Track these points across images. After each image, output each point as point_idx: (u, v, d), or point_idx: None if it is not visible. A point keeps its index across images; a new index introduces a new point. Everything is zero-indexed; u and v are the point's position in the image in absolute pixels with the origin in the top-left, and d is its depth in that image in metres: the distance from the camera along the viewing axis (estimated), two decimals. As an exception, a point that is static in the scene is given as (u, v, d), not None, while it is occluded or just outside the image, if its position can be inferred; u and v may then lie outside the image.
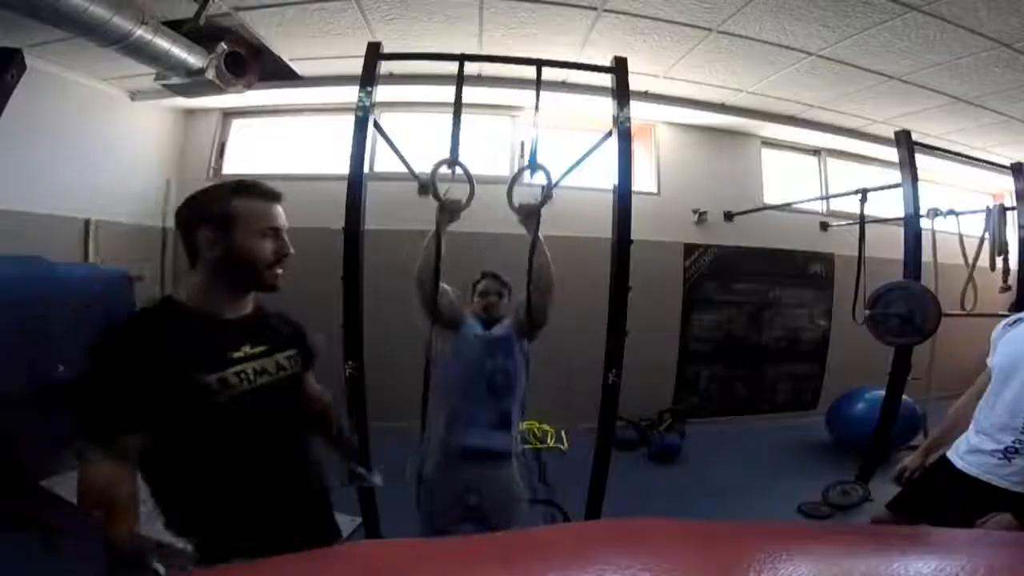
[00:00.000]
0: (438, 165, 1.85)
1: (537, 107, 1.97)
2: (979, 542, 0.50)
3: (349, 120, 2.04)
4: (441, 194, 1.80)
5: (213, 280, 1.03)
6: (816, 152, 4.93)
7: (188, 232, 1.03)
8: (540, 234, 1.81)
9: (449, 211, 1.81)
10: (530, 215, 1.84)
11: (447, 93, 2.06)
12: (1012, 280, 3.15)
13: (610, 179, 2.07)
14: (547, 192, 1.87)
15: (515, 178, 1.93)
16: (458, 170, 1.88)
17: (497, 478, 1.87)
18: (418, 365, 2.02)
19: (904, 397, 3.12)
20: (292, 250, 1.10)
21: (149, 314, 1.01)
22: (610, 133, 2.07)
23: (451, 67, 2.04)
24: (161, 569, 0.77)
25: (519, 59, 2.32)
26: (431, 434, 1.93)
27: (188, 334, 0.98)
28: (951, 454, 1.61)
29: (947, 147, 3.74)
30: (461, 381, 1.88)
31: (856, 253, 3.21)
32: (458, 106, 1.93)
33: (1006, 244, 3.04)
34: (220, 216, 1.02)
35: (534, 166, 1.88)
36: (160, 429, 0.92)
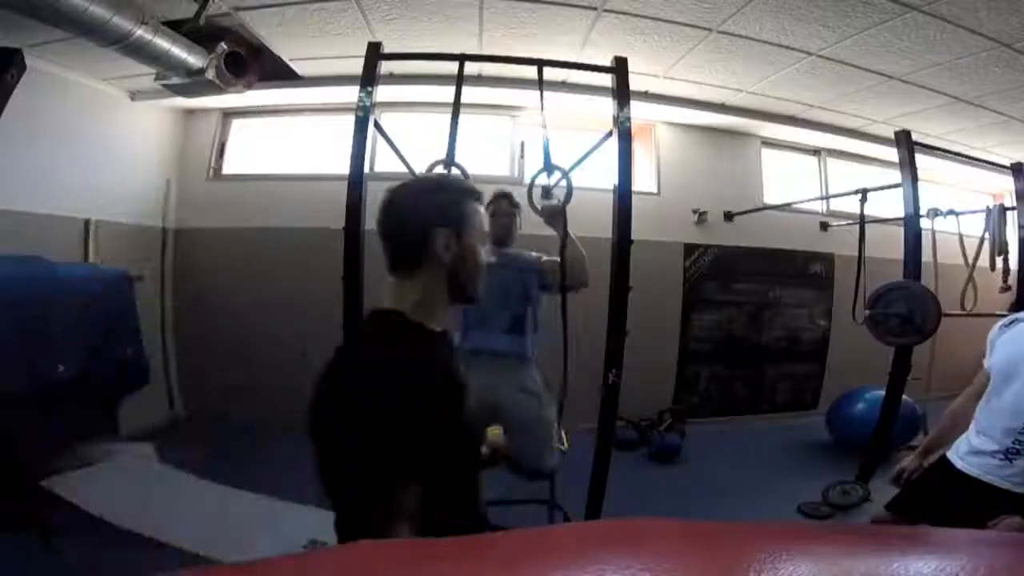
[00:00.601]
0: (433, 165, 1.86)
1: (542, 107, 1.98)
2: (979, 542, 0.50)
3: (349, 120, 2.05)
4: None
5: (438, 290, 0.90)
6: (816, 152, 4.93)
7: (417, 233, 0.89)
8: (570, 231, 1.89)
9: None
10: (555, 215, 1.88)
11: (447, 93, 2.06)
12: (1012, 280, 3.15)
13: (610, 179, 2.07)
14: (567, 190, 1.92)
15: (533, 180, 1.96)
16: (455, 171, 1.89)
17: (511, 378, 1.93)
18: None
19: (904, 397, 3.12)
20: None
21: (407, 339, 0.84)
22: (610, 133, 2.07)
23: (451, 67, 2.04)
24: None
25: (519, 59, 2.33)
26: None
27: (441, 359, 0.86)
28: (951, 455, 1.61)
29: (947, 147, 3.74)
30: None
31: (856, 253, 3.21)
32: (456, 106, 1.94)
33: (1006, 244, 3.04)
34: (458, 217, 0.91)
35: (550, 167, 1.91)
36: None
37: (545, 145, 1.93)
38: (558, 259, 1.89)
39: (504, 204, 2.11)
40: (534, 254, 2.11)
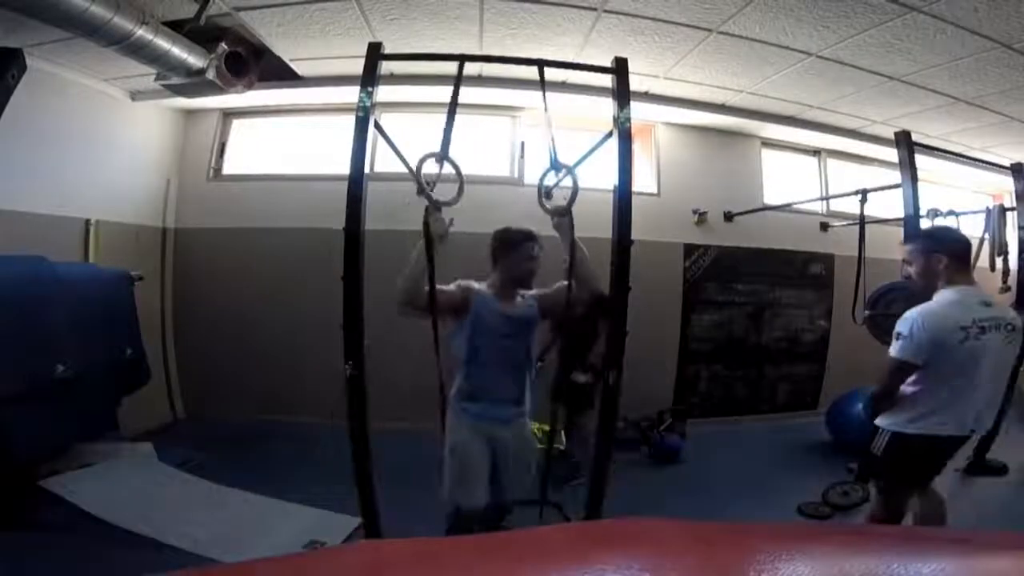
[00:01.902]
0: (424, 159, 1.86)
1: (545, 107, 1.99)
2: (979, 542, 0.50)
3: (349, 120, 2.04)
4: (432, 223, 1.77)
5: None
6: (816, 152, 4.93)
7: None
8: (575, 235, 1.90)
9: (438, 235, 1.80)
10: (561, 226, 1.92)
11: (448, 93, 2.06)
12: (1012, 280, 3.15)
13: (610, 179, 2.07)
14: (573, 190, 1.92)
15: (543, 179, 1.97)
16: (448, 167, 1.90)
17: (518, 437, 1.97)
18: (415, 365, 2.02)
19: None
20: None
21: None
22: (610, 133, 2.07)
23: (452, 67, 2.04)
24: None
25: (520, 59, 2.33)
26: (451, 409, 1.97)
27: None
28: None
29: (947, 147, 3.74)
30: (482, 354, 1.91)
31: (856, 253, 3.21)
32: (454, 103, 1.94)
33: (1006, 244, 3.04)
34: None
35: (557, 166, 1.92)
36: None
37: (552, 145, 1.94)
38: (557, 286, 1.95)
39: (532, 247, 2.05)
40: (529, 297, 2.04)
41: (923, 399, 1.82)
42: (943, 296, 1.85)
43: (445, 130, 1.90)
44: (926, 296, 1.91)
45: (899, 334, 1.83)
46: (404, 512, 1.99)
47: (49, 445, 2.65)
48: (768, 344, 4.64)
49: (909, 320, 1.83)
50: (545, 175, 1.98)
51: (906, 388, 1.87)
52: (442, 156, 1.88)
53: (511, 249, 1.99)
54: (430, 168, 1.89)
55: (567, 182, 1.97)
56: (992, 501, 2.96)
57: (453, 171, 1.92)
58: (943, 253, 1.88)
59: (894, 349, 1.84)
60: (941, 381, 1.79)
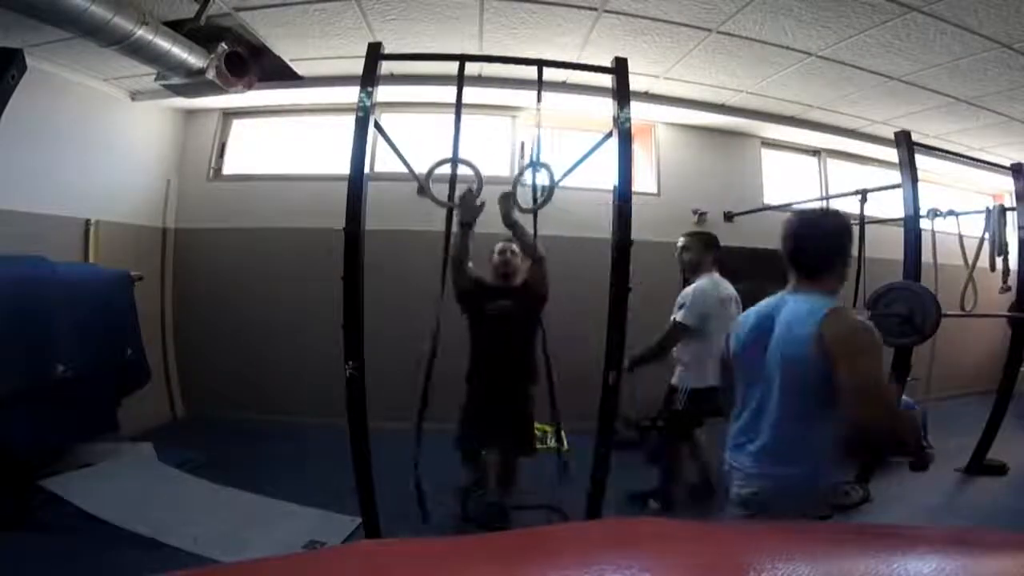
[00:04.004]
0: (437, 164, 1.87)
1: (539, 106, 1.99)
2: (979, 542, 0.50)
3: (349, 120, 2.05)
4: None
5: None
6: (816, 152, 4.93)
7: None
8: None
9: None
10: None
11: (447, 93, 2.07)
12: (1012, 280, 3.14)
13: (610, 179, 2.07)
14: (549, 188, 1.93)
15: (519, 177, 1.98)
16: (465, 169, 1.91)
17: None
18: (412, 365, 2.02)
19: (904, 397, 3.11)
20: None
21: None
22: (610, 133, 2.07)
23: (451, 67, 2.05)
24: None
25: (520, 59, 2.33)
26: None
27: None
28: None
29: (947, 147, 3.74)
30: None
31: (856, 253, 3.20)
32: (459, 106, 1.95)
33: (1006, 245, 3.03)
34: None
35: (537, 164, 1.92)
36: None
37: (536, 144, 1.94)
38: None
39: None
40: None
41: (702, 359, 2.42)
42: (705, 280, 2.61)
43: (454, 134, 1.91)
44: (694, 275, 2.67)
45: (681, 304, 2.53)
46: (404, 512, 1.99)
47: (49, 445, 2.64)
48: (768, 344, 4.63)
49: (688, 295, 2.55)
50: (523, 172, 2.00)
51: (685, 354, 2.57)
52: (454, 159, 1.89)
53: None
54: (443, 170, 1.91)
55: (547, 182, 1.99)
56: (992, 501, 2.96)
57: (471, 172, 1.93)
58: (710, 252, 2.70)
59: (678, 315, 2.50)
60: (710, 343, 2.34)
